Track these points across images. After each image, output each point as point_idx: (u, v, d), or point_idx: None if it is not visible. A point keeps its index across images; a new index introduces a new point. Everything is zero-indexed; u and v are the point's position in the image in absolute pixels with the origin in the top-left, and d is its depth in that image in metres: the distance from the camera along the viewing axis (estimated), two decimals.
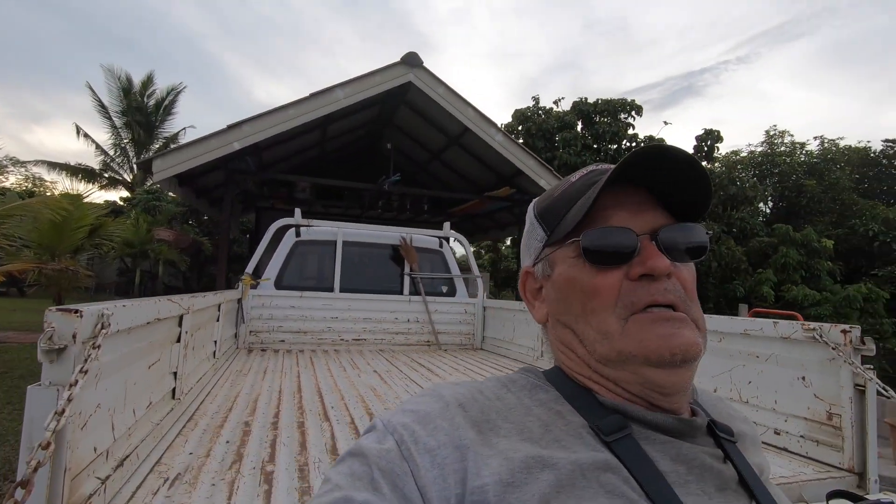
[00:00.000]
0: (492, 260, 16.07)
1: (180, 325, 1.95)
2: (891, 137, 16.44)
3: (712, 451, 0.50)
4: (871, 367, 1.60)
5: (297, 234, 4.42)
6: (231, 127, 5.51)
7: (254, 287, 4.08)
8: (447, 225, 5.03)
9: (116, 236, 10.89)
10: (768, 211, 13.16)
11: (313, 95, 5.82)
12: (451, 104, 6.44)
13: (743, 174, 12.36)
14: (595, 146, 11.61)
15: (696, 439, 0.50)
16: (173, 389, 1.91)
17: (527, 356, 3.83)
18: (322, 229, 4.54)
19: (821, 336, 1.70)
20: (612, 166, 0.55)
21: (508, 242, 14.67)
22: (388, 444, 0.45)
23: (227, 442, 1.66)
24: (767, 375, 1.92)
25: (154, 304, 1.54)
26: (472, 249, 5.30)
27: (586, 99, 12.73)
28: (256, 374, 2.92)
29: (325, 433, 1.83)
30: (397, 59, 6.19)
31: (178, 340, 1.94)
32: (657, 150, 0.50)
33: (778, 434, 1.86)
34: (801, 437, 1.79)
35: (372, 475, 0.43)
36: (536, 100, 13.49)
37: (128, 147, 18.85)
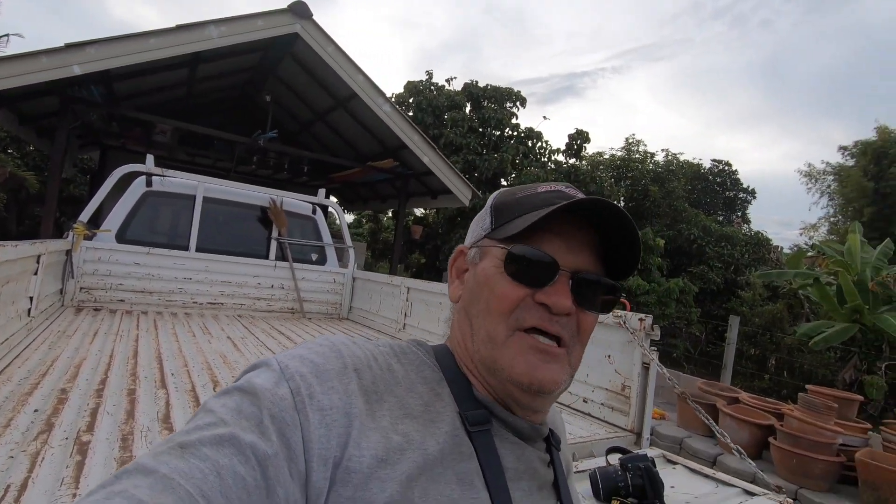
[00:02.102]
0: (372, 230, 15.96)
1: None
2: (718, 158, 19.67)
3: (542, 456, 0.60)
4: (656, 349, 1.98)
5: (149, 183, 3.95)
6: (71, 46, 4.63)
7: (88, 238, 3.58)
8: (322, 192, 4.89)
9: None
10: None
11: (180, 28, 5.14)
12: (340, 66, 6.16)
13: (604, 174, 13.83)
14: (480, 130, 12.02)
15: (536, 443, 0.59)
16: None
17: (390, 328, 3.96)
18: (179, 181, 4.12)
19: (624, 322, 2.04)
20: (578, 194, 0.60)
21: (390, 214, 14.67)
22: (283, 391, 0.45)
23: (36, 411, 1.50)
24: (585, 353, 2.27)
25: None
26: (346, 218, 5.23)
27: (477, 82, 13.06)
28: (84, 336, 2.61)
29: (159, 401, 1.73)
30: (286, 3, 5.73)
31: None
32: (607, 206, 0.54)
33: (586, 402, 2.21)
34: (602, 404, 2.15)
35: (261, 418, 0.42)
36: (430, 74, 13.45)
37: None
